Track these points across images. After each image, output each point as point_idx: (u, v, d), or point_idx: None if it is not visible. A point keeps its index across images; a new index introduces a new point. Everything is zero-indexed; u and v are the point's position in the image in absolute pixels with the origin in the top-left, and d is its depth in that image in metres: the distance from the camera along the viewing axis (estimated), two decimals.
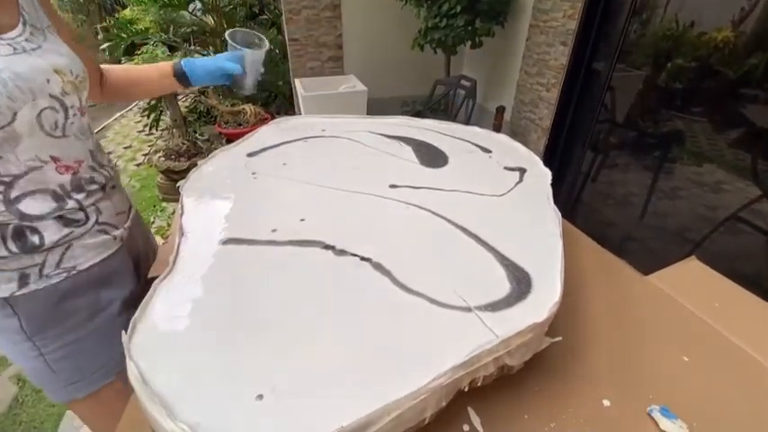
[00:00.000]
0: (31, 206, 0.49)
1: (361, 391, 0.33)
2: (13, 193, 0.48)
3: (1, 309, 0.52)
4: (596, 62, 1.80)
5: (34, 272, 0.52)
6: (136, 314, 0.40)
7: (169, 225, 1.86)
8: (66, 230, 0.53)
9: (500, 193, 0.62)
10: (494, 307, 0.41)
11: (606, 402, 0.47)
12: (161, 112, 2.90)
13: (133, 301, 0.65)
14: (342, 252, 0.49)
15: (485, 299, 0.42)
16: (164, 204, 2.41)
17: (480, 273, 0.46)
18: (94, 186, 0.56)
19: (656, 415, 0.45)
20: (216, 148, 1.05)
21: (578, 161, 1.95)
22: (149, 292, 0.43)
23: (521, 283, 0.44)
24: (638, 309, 0.61)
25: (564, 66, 1.82)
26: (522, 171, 0.69)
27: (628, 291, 0.64)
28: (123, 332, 0.38)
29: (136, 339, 0.38)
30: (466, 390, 0.38)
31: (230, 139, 2.80)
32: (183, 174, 2.28)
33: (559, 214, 0.57)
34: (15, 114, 0.45)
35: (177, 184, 2.18)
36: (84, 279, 0.56)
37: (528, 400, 0.46)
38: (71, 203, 0.53)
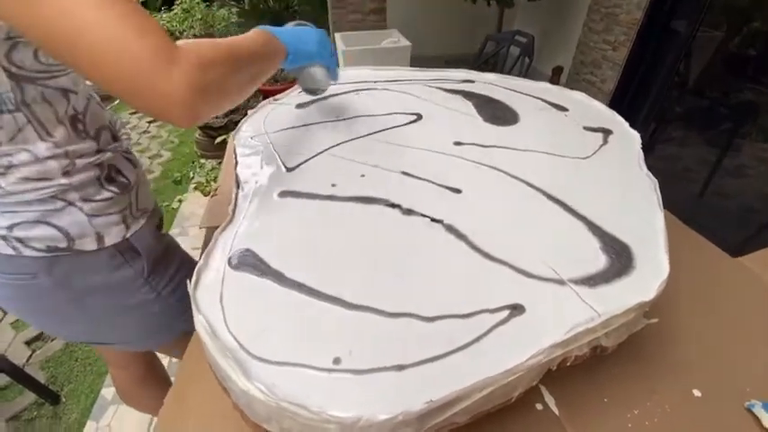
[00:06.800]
0: (104, 142, 0.47)
1: (452, 362, 0.30)
2: (89, 128, 0.45)
3: (110, 260, 0.50)
4: (676, 19, 1.57)
5: (129, 214, 0.51)
6: (200, 263, 0.38)
7: (208, 181, 1.88)
8: (136, 170, 0.53)
9: (584, 156, 0.54)
10: (591, 281, 0.36)
11: (696, 392, 0.42)
12: None
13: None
14: (409, 212, 0.45)
15: (579, 272, 0.37)
16: (202, 161, 2.44)
17: (571, 242, 0.41)
18: (121, 130, 0.54)
19: (759, 411, 0.40)
20: (252, 105, 1.00)
21: (643, 131, 1.78)
22: (211, 243, 0.41)
23: (620, 257, 0.38)
24: (730, 293, 0.54)
25: (637, 20, 1.61)
26: (607, 132, 0.60)
27: (717, 273, 0.57)
28: (188, 281, 0.36)
29: (201, 290, 0.36)
30: (554, 369, 0.34)
31: (266, 95, 2.75)
32: (221, 130, 2.28)
33: (656, 181, 0.50)
34: None
35: (215, 141, 2.17)
36: (154, 221, 0.56)
37: (607, 383, 0.42)
38: (125, 143, 0.51)
